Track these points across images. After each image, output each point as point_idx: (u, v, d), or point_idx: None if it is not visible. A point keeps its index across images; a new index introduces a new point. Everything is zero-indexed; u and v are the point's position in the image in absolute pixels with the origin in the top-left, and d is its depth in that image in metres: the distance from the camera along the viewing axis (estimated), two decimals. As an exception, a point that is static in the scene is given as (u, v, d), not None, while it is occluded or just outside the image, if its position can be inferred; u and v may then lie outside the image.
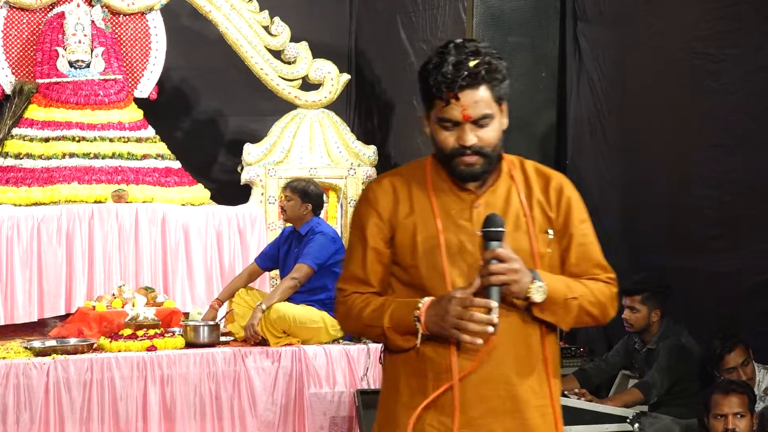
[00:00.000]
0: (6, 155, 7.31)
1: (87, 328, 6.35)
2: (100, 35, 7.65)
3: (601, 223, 4.81)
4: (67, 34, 7.54)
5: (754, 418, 4.50)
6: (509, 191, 2.59)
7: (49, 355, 5.80)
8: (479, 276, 2.44)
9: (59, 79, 7.51)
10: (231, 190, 7.95)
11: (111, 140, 7.48)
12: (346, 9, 9.26)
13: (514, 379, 2.51)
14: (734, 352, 5.03)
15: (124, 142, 7.51)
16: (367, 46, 9.10)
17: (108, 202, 7.12)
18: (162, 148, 7.71)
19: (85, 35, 7.56)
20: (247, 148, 7.74)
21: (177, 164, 7.72)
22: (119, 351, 5.93)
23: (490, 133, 2.51)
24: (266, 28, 7.95)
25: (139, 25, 7.96)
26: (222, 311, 6.53)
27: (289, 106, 7.98)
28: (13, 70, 7.64)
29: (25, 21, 7.70)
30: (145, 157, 7.54)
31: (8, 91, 7.56)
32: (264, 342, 6.20)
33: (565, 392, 5.33)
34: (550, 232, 2.58)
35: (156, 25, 7.96)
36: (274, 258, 6.59)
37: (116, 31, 7.85)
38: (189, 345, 6.12)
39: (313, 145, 7.88)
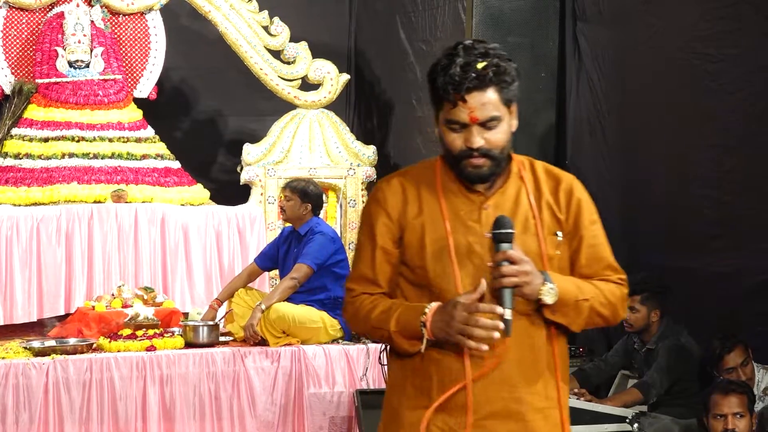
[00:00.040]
0: (5, 155, 7.31)
1: (86, 328, 6.35)
2: (99, 35, 7.65)
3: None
4: (66, 34, 7.54)
5: (753, 418, 4.50)
6: (518, 193, 2.58)
7: (49, 355, 5.79)
8: (491, 278, 2.43)
9: (59, 79, 7.51)
10: (230, 190, 7.95)
11: (110, 140, 7.47)
12: (346, 9, 9.26)
13: (518, 382, 2.50)
14: (734, 353, 5.03)
15: (123, 142, 7.51)
16: (367, 46, 9.10)
17: (107, 202, 7.12)
18: (161, 148, 7.71)
19: (84, 35, 7.56)
20: (247, 148, 7.74)
21: (176, 164, 7.72)
22: (118, 351, 5.93)
23: (498, 135, 2.50)
24: (266, 28, 7.95)
25: (139, 25, 7.95)
26: (221, 311, 6.53)
27: (288, 106, 7.98)
28: (13, 70, 7.63)
29: (24, 21, 7.70)
30: (144, 157, 7.53)
31: (8, 91, 7.56)
32: (263, 342, 6.19)
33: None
34: (559, 234, 2.57)
35: (155, 25, 7.96)
36: (274, 258, 6.59)
37: (116, 31, 7.85)
38: (188, 345, 6.12)
39: (312, 145, 7.88)
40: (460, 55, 2.48)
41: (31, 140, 7.35)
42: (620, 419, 5.02)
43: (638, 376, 5.69)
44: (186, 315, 6.66)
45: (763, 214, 5.35)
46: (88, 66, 7.58)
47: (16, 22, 7.67)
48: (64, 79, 7.52)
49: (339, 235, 6.99)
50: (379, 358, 5.89)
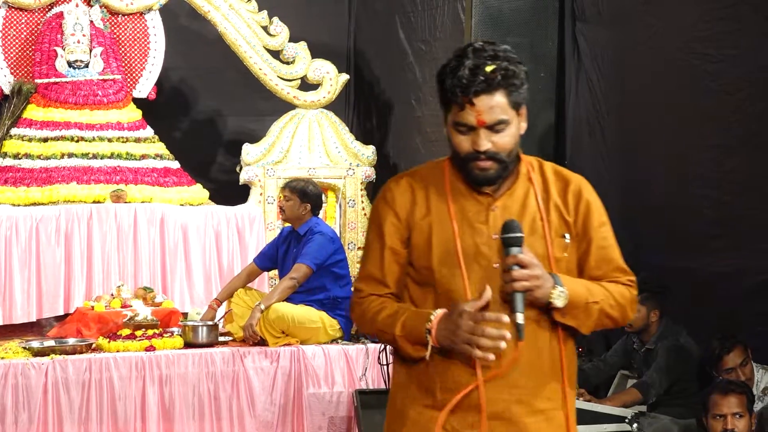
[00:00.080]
0: (5, 155, 7.31)
1: (85, 329, 6.34)
2: (98, 35, 7.65)
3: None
4: (65, 34, 7.53)
5: (752, 418, 4.50)
6: (527, 194, 2.57)
7: (48, 355, 5.79)
8: (502, 283, 2.43)
9: (58, 79, 7.50)
10: (230, 190, 7.95)
11: (110, 140, 7.47)
12: (345, 9, 9.26)
13: (522, 384, 2.50)
14: (733, 353, 5.03)
15: (122, 142, 7.51)
16: (366, 46, 9.10)
17: (107, 202, 7.11)
18: (161, 148, 7.71)
19: (83, 35, 7.56)
20: (246, 148, 7.74)
21: (176, 164, 7.71)
22: (118, 351, 5.93)
23: (505, 139, 2.49)
24: (265, 28, 7.95)
25: (138, 25, 7.95)
26: (221, 311, 6.52)
27: (287, 106, 7.97)
28: (12, 70, 7.63)
29: (23, 21, 7.69)
30: (143, 157, 7.53)
31: (7, 91, 7.56)
32: (263, 342, 6.19)
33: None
34: (567, 236, 2.56)
35: (155, 25, 7.96)
36: (273, 258, 6.59)
37: (115, 31, 7.84)
38: (187, 345, 6.11)
39: (311, 145, 7.87)
40: (469, 57, 2.46)
41: (30, 140, 7.35)
42: (619, 419, 5.02)
43: (637, 376, 5.69)
44: (185, 315, 6.65)
45: (763, 214, 5.35)
46: (87, 66, 7.58)
47: (15, 22, 7.67)
48: (64, 79, 7.51)
49: (338, 235, 6.99)
50: (379, 358, 5.89)
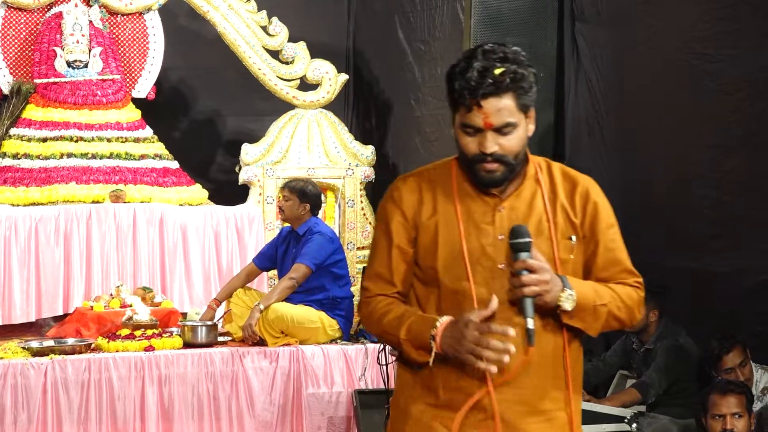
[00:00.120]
0: (4, 155, 7.30)
1: (85, 329, 6.34)
2: (97, 35, 7.65)
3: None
4: (64, 34, 7.53)
5: (751, 418, 4.50)
6: (534, 195, 2.57)
7: (47, 355, 5.79)
8: (511, 288, 2.43)
9: (57, 79, 7.50)
10: (229, 190, 7.95)
11: (109, 140, 7.47)
12: (344, 9, 9.26)
13: (525, 385, 2.49)
14: (732, 353, 5.03)
15: (122, 142, 7.51)
16: (365, 46, 9.10)
17: (106, 202, 7.11)
18: (160, 148, 7.71)
19: (83, 35, 7.56)
20: (245, 148, 7.74)
21: (175, 164, 7.71)
22: (117, 351, 5.93)
23: (513, 141, 2.48)
24: (264, 28, 7.95)
25: (137, 25, 7.95)
26: (220, 311, 6.52)
27: (287, 106, 7.97)
28: (11, 70, 7.63)
29: (22, 21, 7.69)
30: (143, 157, 7.53)
31: (6, 91, 7.55)
32: (262, 342, 6.19)
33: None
34: (573, 238, 2.55)
35: (154, 25, 7.96)
36: (272, 258, 6.59)
37: (114, 31, 7.84)
38: (187, 345, 6.11)
39: (311, 145, 7.87)
40: (479, 59, 2.45)
41: (29, 140, 7.35)
42: (619, 419, 5.01)
43: (637, 376, 5.69)
44: (184, 315, 6.65)
45: (763, 214, 5.35)
46: (86, 66, 7.58)
47: (14, 22, 7.67)
48: (63, 79, 7.51)
49: (337, 235, 6.98)
50: (378, 358, 5.89)
